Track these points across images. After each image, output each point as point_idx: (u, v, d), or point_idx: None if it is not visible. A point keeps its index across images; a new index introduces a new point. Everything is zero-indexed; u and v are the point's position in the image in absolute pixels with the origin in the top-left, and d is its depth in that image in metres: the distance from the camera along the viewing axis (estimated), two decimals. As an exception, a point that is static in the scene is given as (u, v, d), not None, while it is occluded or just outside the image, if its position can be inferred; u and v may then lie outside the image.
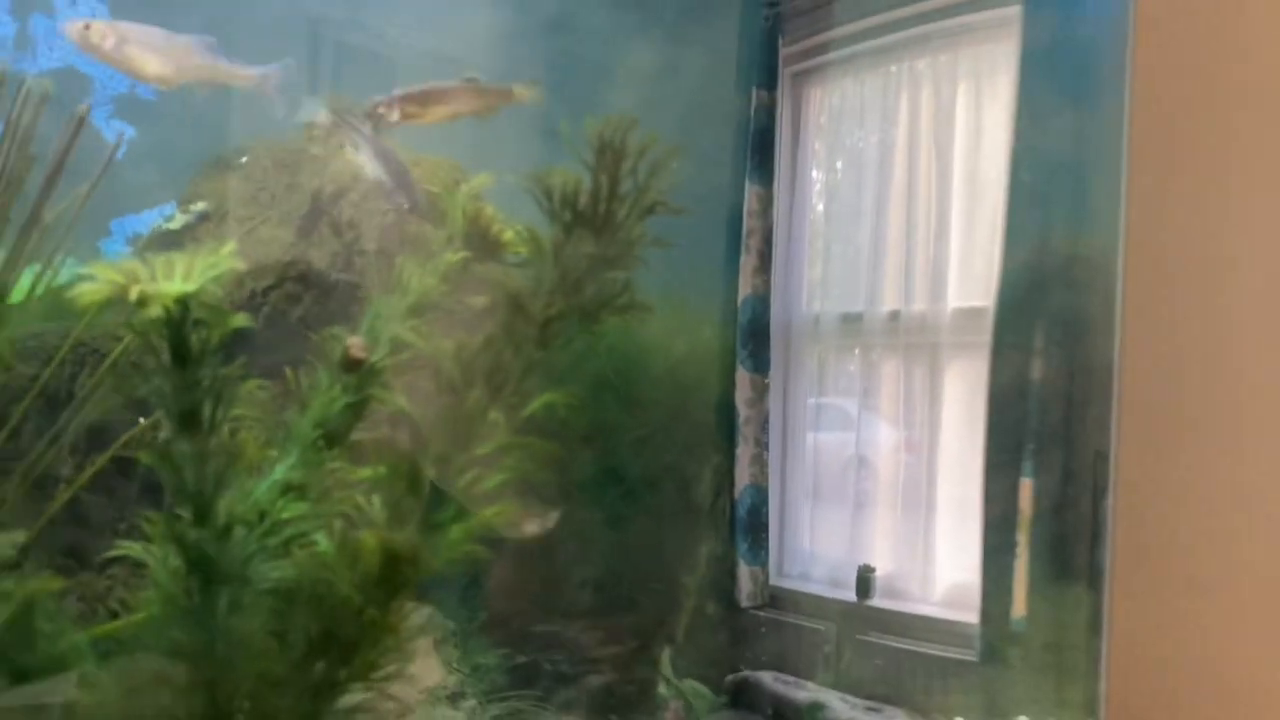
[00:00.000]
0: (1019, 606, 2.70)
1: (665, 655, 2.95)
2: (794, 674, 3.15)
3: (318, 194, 2.43)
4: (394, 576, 1.41)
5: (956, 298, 3.16)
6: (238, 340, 1.46)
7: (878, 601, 3.18)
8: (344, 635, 1.43)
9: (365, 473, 1.51)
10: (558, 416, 1.50)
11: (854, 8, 3.38)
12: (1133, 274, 2.08)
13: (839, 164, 3.63)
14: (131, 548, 1.44)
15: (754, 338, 3.45)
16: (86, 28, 2.05)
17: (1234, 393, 1.98)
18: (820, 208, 3.65)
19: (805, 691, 3.04)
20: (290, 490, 1.52)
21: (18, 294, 1.76)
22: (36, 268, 1.80)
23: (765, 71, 3.45)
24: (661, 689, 2.88)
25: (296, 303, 2.28)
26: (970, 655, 2.81)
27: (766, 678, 3.11)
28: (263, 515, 1.47)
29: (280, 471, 1.53)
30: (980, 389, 2.87)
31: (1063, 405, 2.73)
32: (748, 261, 3.44)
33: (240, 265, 1.41)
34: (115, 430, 1.92)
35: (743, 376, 3.42)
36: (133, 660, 1.47)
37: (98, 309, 1.50)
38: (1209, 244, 2.02)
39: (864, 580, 3.19)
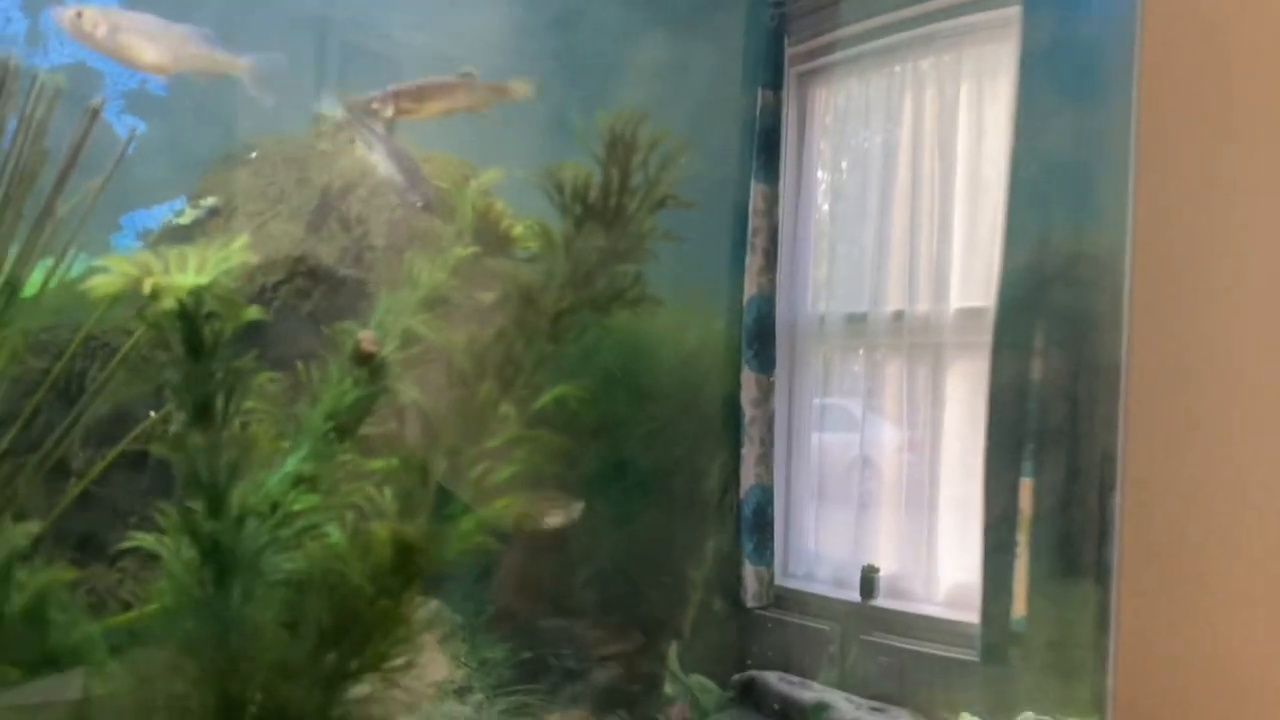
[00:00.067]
0: (1019, 606, 2.70)
1: (672, 650, 2.95)
2: (799, 674, 3.15)
3: (327, 189, 2.44)
4: (406, 567, 1.42)
5: (959, 298, 3.17)
6: (248, 334, 1.47)
7: (882, 601, 3.18)
8: (356, 626, 1.43)
9: (377, 464, 1.52)
10: (568, 410, 1.51)
11: (859, 8, 3.38)
12: (1140, 272, 2.08)
13: (844, 164, 3.63)
14: (144, 539, 1.45)
15: (759, 338, 3.45)
16: (79, 15, 2.03)
17: (1241, 391, 1.98)
18: (825, 208, 3.65)
19: (810, 691, 3.04)
20: (302, 482, 1.53)
21: (30, 288, 1.77)
22: (48, 262, 1.81)
23: (771, 71, 3.45)
24: (668, 688, 2.88)
25: (306, 297, 2.29)
26: (973, 655, 2.82)
27: (772, 678, 3.11)
28: (275, 506, 1.48)
29: (292, 464, 1.54)
30: (983, 389, 2.87)
31: (1067, 404, 2.73)
32: (753, 261, 3.45)
33: (253, 258, 1.42)
34: (126, 424, 1.93)
35: (748, 377, 3.42)
36: (146, 650, 1.47)
37: (111, 301, 1.52)
38: (1216, 242, 2.02)
39: (868, 580, 3.19)
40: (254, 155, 2.53)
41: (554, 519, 2.40)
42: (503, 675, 2.47)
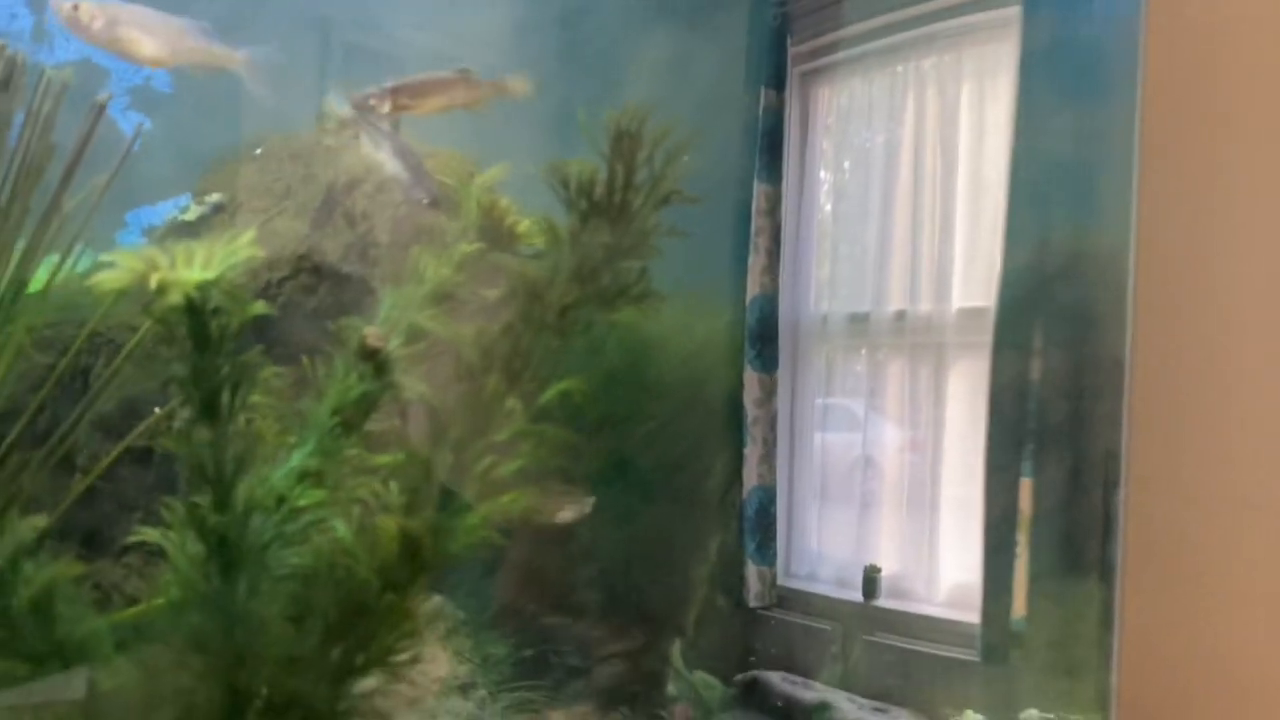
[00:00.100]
0: (1019, 606, 2.70)
1: (676, 647, 2.96)
2: (802, 674, 3.15)
3: (332, 185, 2.44)
4: (412, 561, 1.42)
5: (961, 298, 3.17)
6: (253, 330, 1.47)
7: (884, 601, 3.18)
8: (362, 619, 1.44)
9: (383, 459, 1.52)
10: (572, 405, 1.51)
11: (861, 7, 3.39)
12: (1144, 269, 2.08)
13: (846, 164, 3.64)
14: (150, 533, 1.45)
15: (762, 337, 3.46)
16: (75, 8, 2.02)
17: (1245, 388, 1.99)
18: (828, 208, 3.66)
19: (813, 692, 3.04)
20: (307, 477, 1.53)
21: (35, 284, 1.77)
22: (54, 258, 1.81)
23: (774, 70, 3.46)
24: (671, 687, 2.88)
25: (311, 293, 2.29)
26: (974, 655, 2.82)
27: (775, 677, 3.11)
28: (281, 501, 1.48)
29: (298, 458, 1.54)
30: (984, 388, 2.88)
31: (1070, 403, 2.73)
32: (756, 261, 3.45)
33: (260, 253, 1.42)
34: (131, 419, 1.93)
35: (751, 376, 3.43)
36: (153, 645, 1.48)
37: (117, 296, 1.52)
38: (1220, 239, 2.02)
39: (870, 580, 3.20)
40: (259, 151, 2.54)
41: (567, 513, 2.41)
42: (506, 672, 2.47)
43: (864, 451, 3.43)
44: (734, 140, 3.42)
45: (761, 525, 3.41)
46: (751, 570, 3.38)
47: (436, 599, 2.22)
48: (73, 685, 1.50)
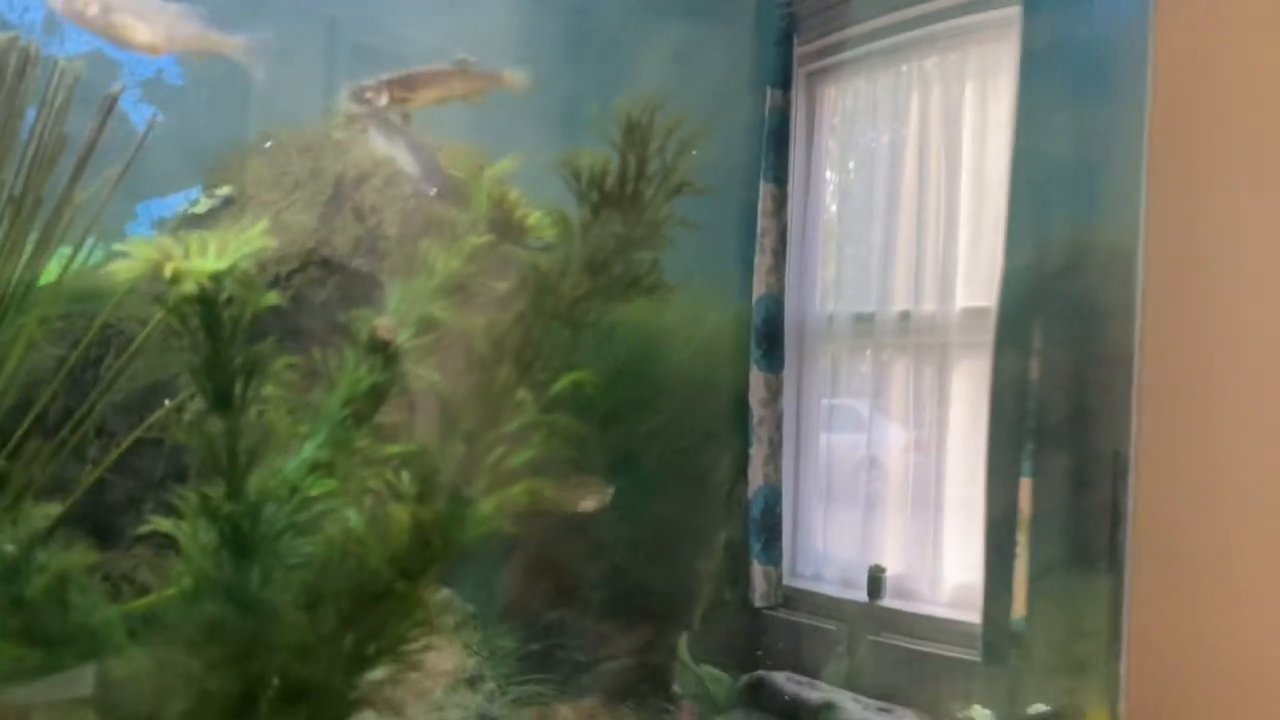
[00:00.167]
0: (1020, 605, 2.70)
1: (683, 641, 2.96)
2: (807, 674, 3.15)
3: (341, 179, 2.44)
4: (424, 550, 1.42)
5: (965, 297, 3.17)
6: (263, 322, 1.48)
7: (888, 601, 3.18)
8: (374, 609, 1.44)
9: (394, 449, 1.52)
10: (582, 396, 1.51)
11: (866, 7, 3.39)
12: (1153, 265, 2.09)
13: (851, 164, 3.64)
14: (163, 523, 1.46)
15: (768, 337, 3.45)
16: None
17: (1252, 383, 1.99)
18: (833, 208, 3.66)
19: (818, 692, 3.04)
20: (319, 467, 1.53)
21: (47, 276, 1.78)
22: (65, 250, 1.82)
23: (780, 70, 3.46)
24: (678, 681, 2.88)
25: (320, 287, 2.30)
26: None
27: (780, 677, 3.11)
28: (293, 491, 1.48)
29: (309, 449, 1.54)
30: (987, 388, 2.88)
31: (1075, 401, 2.73)
32: (762, 261, 3.45)
33: (273, 243, 1.43)
34: (141, 411, 1.94)
35: (757, 376, 3.43)
36: (165, 634, 1.48)
37: (130, 287, 1.52)
38: (1228, 235, 2.03)
39: (875, 580, 3.20)
40: (269, 145, 2.54)
41: (589, 502, 2.42)
42: (514, 665, 2.48)
43: (869, 452, 3.43)
44: (740, 140, 3.42)
45: (767, 525, 3.41)
46: (757, 570, 3.37)
47: (446, 592, 2.22)
48: (79, 682, 1.50)
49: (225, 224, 2.29)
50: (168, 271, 1.37)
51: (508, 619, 2.53)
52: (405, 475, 1.48)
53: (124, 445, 1.90)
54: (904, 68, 3.38)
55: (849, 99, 3.58)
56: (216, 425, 1.43)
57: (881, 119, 3.47)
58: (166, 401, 1.89)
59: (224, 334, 1.43)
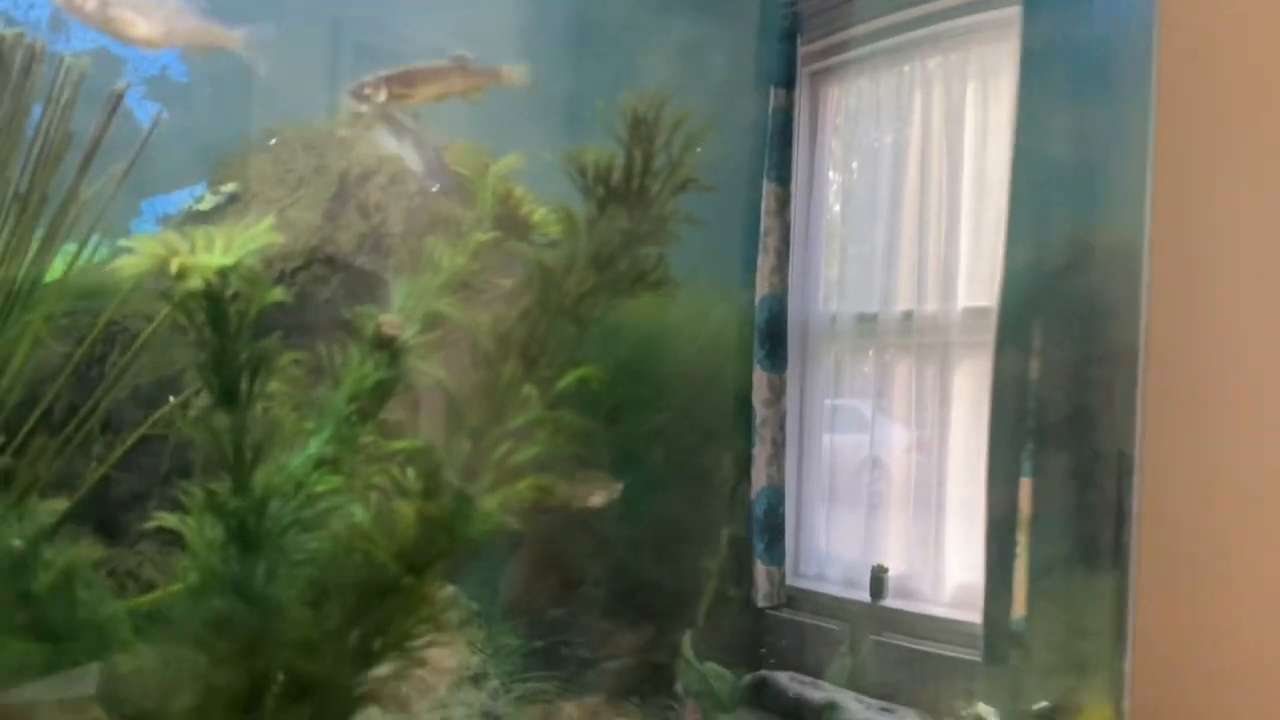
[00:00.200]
0: (1019, 606, 2.70)
1: (687, 638, 2.96)
2: (810, 674, 3.15)
3: (345, 176, 2.44)
4: (430, 545, 1.42)
5: (966, 297, 3.17)
6: (268, 319, 1.48)
7: (891, 602, 3.18)
8: (380, 604, 1.44)
9: (399, 445, 1.52)
10: (588, 392, 1.51)
11: (871, 6, 3.39)
12: (1158, 263, 2.09)
13: (854, 164, 3.64)
14: (169, 518, 1.46)
15: (771, 337, 3.45)
16: None
17: (1258, 381, 1.99)
18: (837, 208, 3.66)
19: (822, 692, 3.04)
20: (324, 464, 1.53)
21: (52, 273, 1.78)
22: (70, 247, 1.82)
23: (784, 70, 3.46)
24: (679, 687, 2.88)
25: (324, 284, 2.30)
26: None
27: (783, 678, 3.10)
28: (299, 487, 1.49)
29: (315, 445, 1.55)
30: (989, 387, 2.88)
31: (1079, 401, 2.73)
32: (765, 261, 3.45)
33: (280, 239, 1.43)
34: (145, 408, 1.94)
35: (760, 376, 3.43)
36: (171, 629, 1.48)
37: (136, 283, 1.52)
38: (1234, 233, 2.03)
39: (877, 581, 3.20)
40: (273, 142, 2.54)
41: (598, 498, 2.42)
42: (518, 662, 2.47)
43: (871, 452, 3.43)
44: (743, 139, 3.42)
45: (770, 525, 3.41)
46: (760, 570, 3.37)
47: (450, 589, 2.22)
48: (85, 680, 1.51)
49: (230, 221, 2.30)
50: (174, 267, 1.37)
51: (512, 616, 2.53)
52: (410, 471, 1.48)
53: (129, 441, 1.90)
54: (907, 67, 3.38)
55: (852, 99, 3.58)
56: (222, 420, 1.43)
57: (885, 119, 3.47)
58: (171, 398, 1.90)
59: (230, 329, 1.43)
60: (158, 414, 1.89)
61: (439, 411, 1.55)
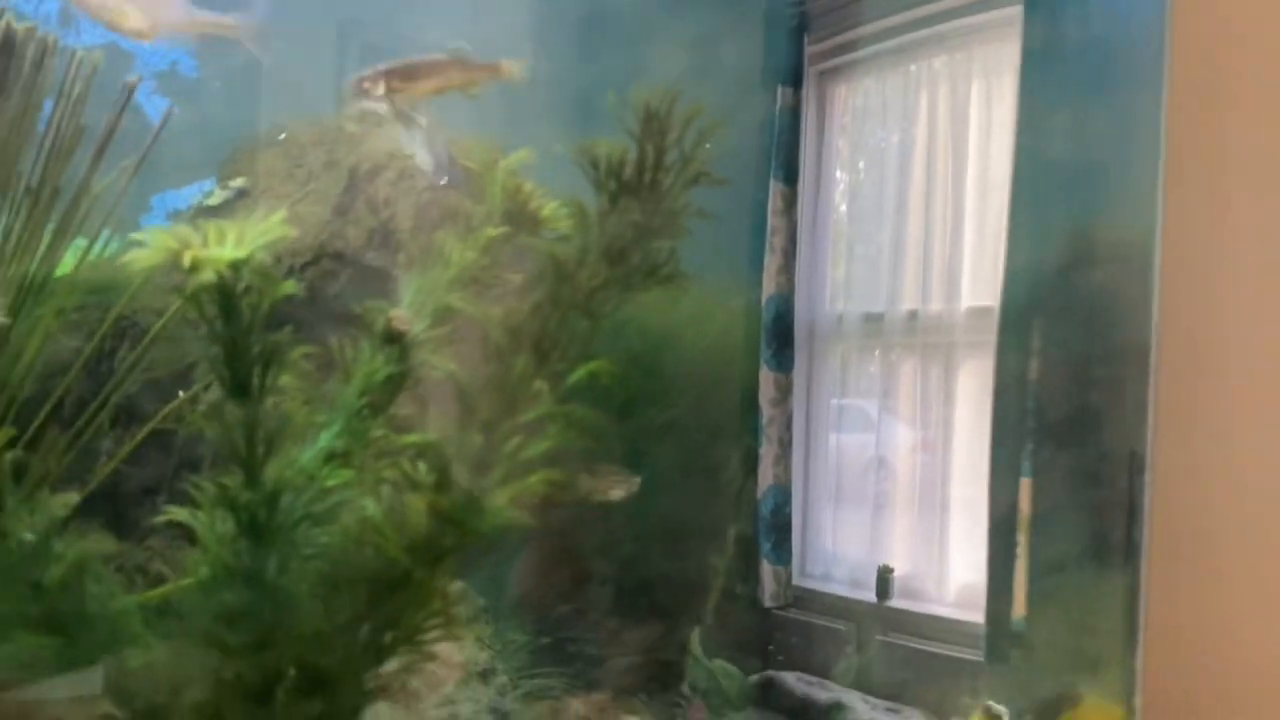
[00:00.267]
0: (1019, 606, 2.70)
1: (695, 635, 2.96)
2: (816, 674, 3.15)
3: (354, 171, 2.45)
4: (442, 539, 1.42)
5: (970, 297, 3.17)
6: (278, 313, 1.47)
7: (896, 602, 3.18)
8: (391, 598, 1.44)
9: (410, 439, 1.52)
10: (599, 387, 1.51)
11: (878, 5, 3.39)
12: (1169, 263, 2.08)
13: (861, 163, 3.64)
14: (180, 512, 1.45)
15: (778, 337, 3.45)
16: None
17: (1269, 383, 1.99)
18: (843, 208, 3.66)
19: (828, 692, 3.04)
20: (335, 458, 1.53)
21: (63, 267, 1.78)
22: (81, 242, 1.82)
23: (791, 69, 3.46)
24: (685, 685, 2.88)
25: (333, 280, 2.30)
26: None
27: (790, 678, 3.10)
28: (310, 481, 1.48)
29: (325, 439, 1.54)
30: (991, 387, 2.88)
31: (1087, 400, 2.72)
32: (772, 260, 3.45)
33: (293, 232, 1.43)
34: (155, 402, 1.94)
35: (766, 376, 3.43)
36: (181, 623, 1.48)
37: (146, 277, 1.52)
38: (1245, 230, 2.02)
39: (883, 581, 3.20)
40: (283, 137, 2.54)
41: (618, 491, 2.43)
42: (525, 659, 2.48)
43: (877, 452, 3.43)
44: (751, 138, 3.42)
45: (777, 525, 3.41)
46: (767, 570, 3.37)
47: (458, 585, 2.22)
48: (92, 680, 1.51)
49: (239, 216, 2.30)
50: (186, 260, 1.37)
51: (520, 613, 2.54)
52: (422, 465, 1.47)
53: (140, 435, 1.90)
54: (913, 67, 3.39)
55: (859, 98, 3.58)
56: (234, 413, 1.43)
57: (891, 118, 3.47)
58: (180, 393, 1.90)
59: (242, 323, 1.43)
60: (168, 408, 1.89)
61: (450, 406, 1.55)
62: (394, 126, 2.21)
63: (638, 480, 2.46)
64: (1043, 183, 2.79)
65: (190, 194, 2.47)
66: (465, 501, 1.43)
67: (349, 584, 1.44)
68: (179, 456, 2.01)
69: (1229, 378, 2.02)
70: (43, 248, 1.71)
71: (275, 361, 1.46)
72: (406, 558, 1.42)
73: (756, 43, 3.45)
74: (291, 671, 1.45)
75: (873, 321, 3.45)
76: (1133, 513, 2.18)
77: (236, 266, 1.39)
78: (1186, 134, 2.08)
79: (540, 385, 1.49)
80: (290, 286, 1.46)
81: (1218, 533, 1.96)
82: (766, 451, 3.40)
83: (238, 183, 2.46)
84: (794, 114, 3.46)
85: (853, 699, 2.99)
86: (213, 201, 2.43)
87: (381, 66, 2.22)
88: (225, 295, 1.41)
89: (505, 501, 1.45)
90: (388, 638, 1.46)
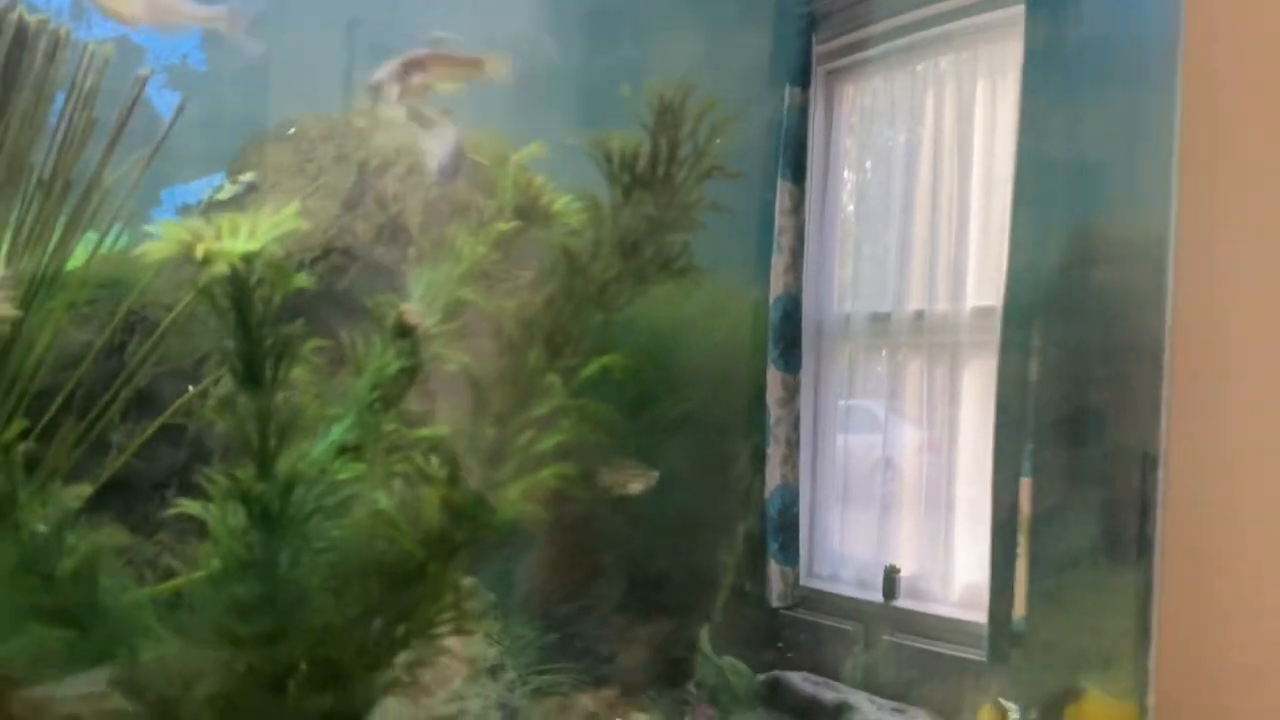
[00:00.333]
0: (1019, 606, 2.70)
1: (704, 633, 2.95)
2: (824, 674, 3.14)
3: (364, 167, 2.44)
4: (454, 532, 1.41)
5: (975, 296, 3.16)
6: (288, 308, 1.47)
7: (902, 602, 3.17)
8: (403, 591, 1.43)
9: (422, 432, 1.52)
10: (612, 381, 1.51)
11: (885, 5, 3.38)
12: (1183, 261, 2.08)
13: (869, 163, 3.63)
14: (192, 505, 1.45)
15: (785, 337, 3.44)
16: None
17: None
18: (851, 207, 3.65)
19: (834, 692, 3.03)
20: (347, 451, 1.53)
21: (74, 261, 1.78)
22: (92, 236, 1.82)
23: (799, 68, 3.45)
24: (692, 685, 2.88)
25: (342, 274, 2.30)
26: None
27: (796, 678, 3.10)
28: (322, 474, 1.48)
29: (337, 432, 1.54)
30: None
31: (1097, 397, 2.72)
32: (779, 260, 3.44)
33: (305, 225, 1.42)
34: (165, 397, 1.94)
35: (774, 375, 3.42)
36: (194, 615, 1.48)
37: (157, 270, 1.52)
38: (1260, 229, 2.02)
39: (890, 581, 3.19)
40: (292, 131, 2.54)
41: (637, 484, 2.43)
42: (534, 655, 2.47)
43: (884, 453, 3.42)
44: (759, 137, 3.41)
45: (784, 525, 3.40)
46: (774, 570, 3.36)
47: (469, 580, 2.22)
48: (92, 684, 1.50)
49: (249, 211, 2.29)
50: (199, 253, 1.36)
51: (529, 608, 2.53)
52: (434, 459, 1.47)
53: (151, 429, 1.90)
54: (920, 66, 3.38)
55: (867, 98, 3.57)
56: (247, 406, 1.43)
57: (898, 118, 3.47)
58: (190, 387, 1.89)
59: (255, 315, 1.42)
60: (179, 402, 1.88)
61: (461, 400, 1.54)
62: (410, 126, 2.19)
63: (656, 474, 2.45)
64: (1045, 182, 2.78)
65: (200, 188, 2.47)
66: (478, 495, 1.42)
67: (361, 577, 1.44)
68: (189, 450, 2.00)
69: (1242, 375, 2.01)
70: (54, 241, 1.71)
71: (288, 354, 1.45)
72: (420, 551, 1.42)
73: (765, 42, 3.44)
74: (303, 665, 1.45)
75: (879, 321, 3.44)
76: (1145, 510, 2.17)
77: (250, 259, 1.39)
78: (1200, 131, 2.08)
79: (553, 379, 1.49)
80: (303, 279, 1.46)
81: (1231, 530, 1.95)
82: (774, 451, 3.39)
83: (247, 177, 2.46)
84: (802, 113, 3.45)
85: (859, 699, 2.98)
86: (222, 196, 2.43)
87: (394, 64, 2.20)
88: (238, 288, 1.41)
89: (518, 495, 1.45)
90: (400, 631, 1.45)
